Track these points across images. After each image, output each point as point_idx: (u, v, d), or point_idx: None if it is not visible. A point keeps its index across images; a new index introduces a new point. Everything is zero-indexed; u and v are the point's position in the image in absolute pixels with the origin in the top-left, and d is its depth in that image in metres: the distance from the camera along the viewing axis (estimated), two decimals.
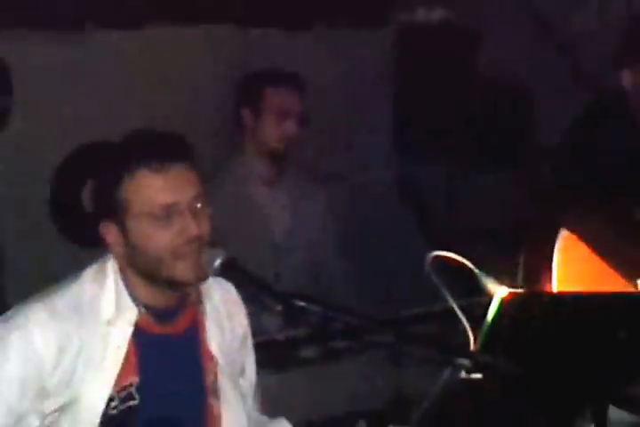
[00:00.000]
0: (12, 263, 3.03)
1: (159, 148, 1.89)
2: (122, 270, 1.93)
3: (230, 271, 1.86)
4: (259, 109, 3.00)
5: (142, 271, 1.91)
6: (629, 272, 2.62)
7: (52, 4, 3.13)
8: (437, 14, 3.73)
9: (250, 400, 2.11)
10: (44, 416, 1.88)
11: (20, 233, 2.98)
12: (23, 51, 3.05)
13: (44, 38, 3.10)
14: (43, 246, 2.82)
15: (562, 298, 2.27)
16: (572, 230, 2.69)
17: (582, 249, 2.66)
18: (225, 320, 2.05)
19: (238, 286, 2.04)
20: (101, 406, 1.88)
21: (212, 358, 2.00)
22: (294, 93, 3.01)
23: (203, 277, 1.87)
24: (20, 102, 3.04)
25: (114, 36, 3.22)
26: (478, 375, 1.92)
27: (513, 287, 2.09)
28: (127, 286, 1.93)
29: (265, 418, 2.15)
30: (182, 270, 1.83)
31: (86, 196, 2.26)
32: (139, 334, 1.92)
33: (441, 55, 3.60)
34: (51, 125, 3.02)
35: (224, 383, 2.01)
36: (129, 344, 1.92)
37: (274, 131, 2.98)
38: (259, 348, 2.22)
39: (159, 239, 1.83)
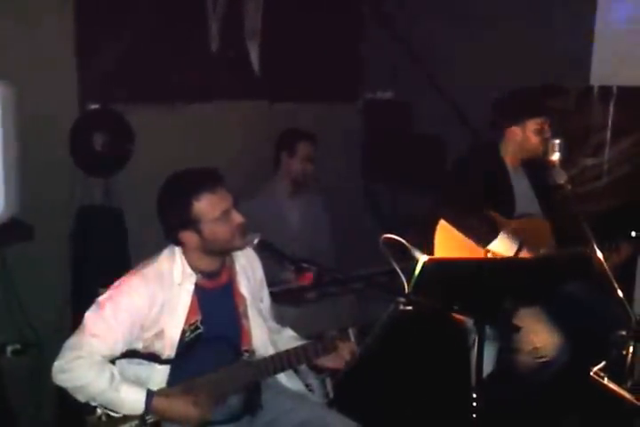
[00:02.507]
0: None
1: (208, 179, 2.52)
2: (185, 253, 2.55)
3: (263, 247, 2.58)
4: (292, 154, 4.00)
5: (210, 251, 2.52)
6: (480, 242, 3.19)
7: (158, 89, 4.09)
8: (387, 94, 4.86)
9: (268, 316, 2.77)
10: (144, 341, 2.51)
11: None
12: (141, 117, 3.92)
13: (153, 109, 4.04)
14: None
15: (461, 261, 2.84)
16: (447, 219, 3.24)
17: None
18: (249, 272, 2.71)
19: (269, 256, 2.69)
20: (178, 335, 2.50)
21: (242, 296, 2.65)
22: (313, 146, 4.03)
23: (245, 245, 2.57)
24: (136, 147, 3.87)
25: (194, 107, 4.18)
26: (409, 308, 2.63)
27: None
28: (188, 261, 2.55)
29: (278, 326, 2.82)
30: (238, 242, 2.53)
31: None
32: (197, 289, 2.56)
33: (389, 118, 4.76)
34: (153, 162, 3.82)
35: (250, 310, 2.66)
36: (192, 296, 2.54)
37: (300, 168, 4.01)
38: (280, 293, 3.01)
39: (224, 230, 2.50)
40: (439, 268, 2.60)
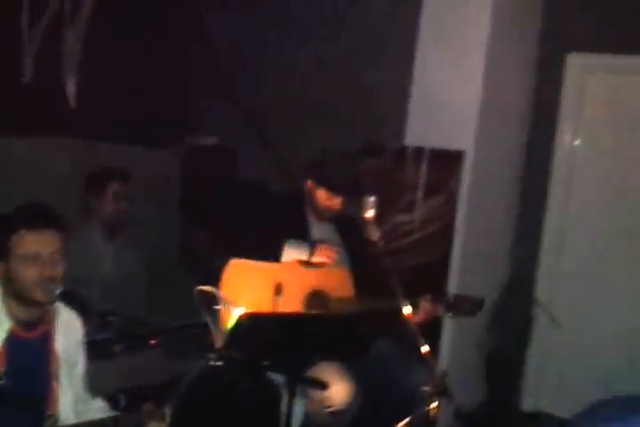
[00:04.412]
0: None
1: (36, 217, 2.47)
2: (2, 295, 2.44)
3: (67, 298, 2.45)
4: (102, 195, 3.80)
5: (16, 295, 2.43)
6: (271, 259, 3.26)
7: None
8: (210, 140, 4.84)
9: (80, 383, 2.63)
10: None
11: None
12: None
13: None
14: None
15: (276, 315, 2.96)
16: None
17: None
18: (69, 330, 2.60)
19: (73, 307, 2.54)
20: None
21: (56, 355, 2.53)
22: (125, 184, 3.86)
23: (52, 301, 2.44)
24: None
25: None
26: (220, 363, 2.57)
27: None
28: (4, 306, 2.44)
29: (88, 395, 2.67)
30: (40, 295, 2.41)
31: None
32: (10, 337, 2.42)
33: (212, 164, 4.74)
34: None
35: (62, 372, 2.53)
36: (2, 344, 2.41)
37: (113, 209, 3.82)
38: (85, 345, 2.72)
39: (27, 274, 2.40)
40: (254, 322, 2.60)
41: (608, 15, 4.41)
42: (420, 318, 3.11)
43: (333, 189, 3.39)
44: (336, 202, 3.41)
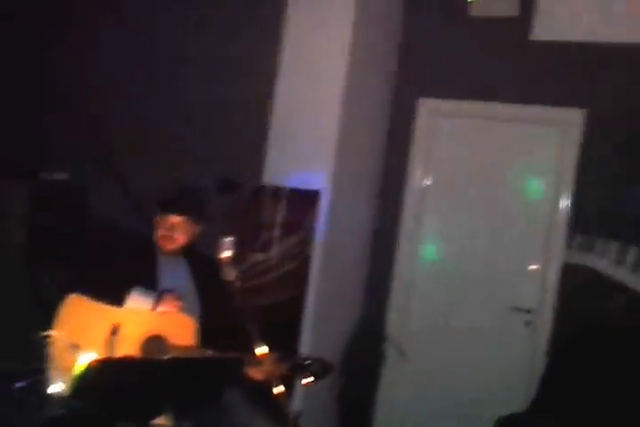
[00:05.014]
0: None
1: None
2: None
3: None
4: None
5: None
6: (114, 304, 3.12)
7: None
8: (61, 175, 4.71)
9: None
10: None
11: None
12: None
13: None
14: None
15: (126, 362, 2.86)
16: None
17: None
18: None
19: None
20: None
21: None
22: None
23: None
24: None
25: None
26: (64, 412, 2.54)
27: None
28: None
29: None
30: None
31: None
32: None
33: (62, 200, 4.59)
34: None
35: None
36: None
37: None
38: None
39: None
40: (105, 368, 2.58)
41: (455, 65, 4.65)
42: (259, 376, 3.00)
43: (164, 205, 3.29)
44: (171, 223, 3.28)
